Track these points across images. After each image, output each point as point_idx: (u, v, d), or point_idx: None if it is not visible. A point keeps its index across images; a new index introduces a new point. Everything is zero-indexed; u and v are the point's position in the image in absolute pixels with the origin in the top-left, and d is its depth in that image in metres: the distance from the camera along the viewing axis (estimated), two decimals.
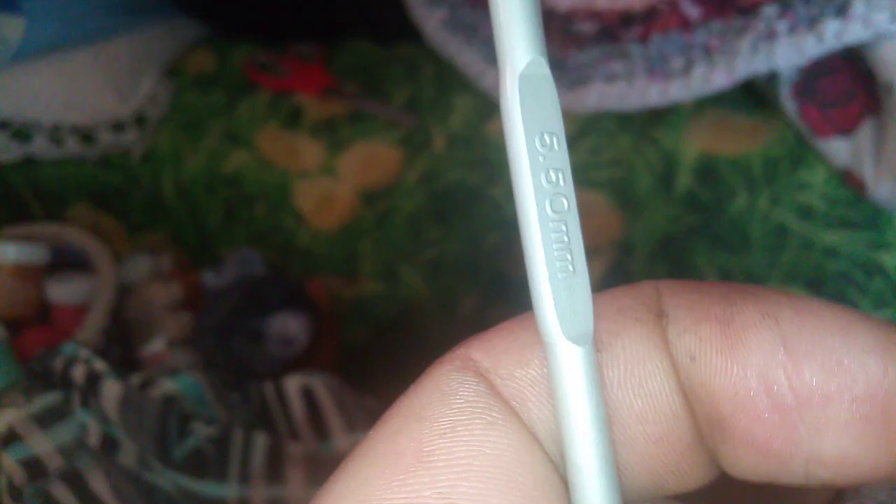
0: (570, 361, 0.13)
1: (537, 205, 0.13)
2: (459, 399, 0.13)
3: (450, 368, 0.14)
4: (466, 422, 0.13)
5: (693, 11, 0.52)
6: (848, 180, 0.53)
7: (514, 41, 0.13)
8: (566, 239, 0.13)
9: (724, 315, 0.13)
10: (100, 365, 0.37)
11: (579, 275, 0.13)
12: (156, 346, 0.49)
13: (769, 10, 0.51)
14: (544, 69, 0.13)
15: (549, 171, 0.13)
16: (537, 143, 0.13)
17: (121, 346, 0.50)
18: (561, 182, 0.13)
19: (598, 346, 0.14)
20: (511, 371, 0.14)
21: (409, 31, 0.62)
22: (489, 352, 0.14)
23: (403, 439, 0.13)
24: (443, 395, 0.14)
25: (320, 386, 0.41)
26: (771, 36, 0.50)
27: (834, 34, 0.49)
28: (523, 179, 0.13)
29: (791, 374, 0.13)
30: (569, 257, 0.13)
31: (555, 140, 0.13)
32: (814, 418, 0.13)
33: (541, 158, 0.13)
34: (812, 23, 0.50)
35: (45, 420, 0.36)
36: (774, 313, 0.13)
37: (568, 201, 0.13)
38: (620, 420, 0.13)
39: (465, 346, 0.14)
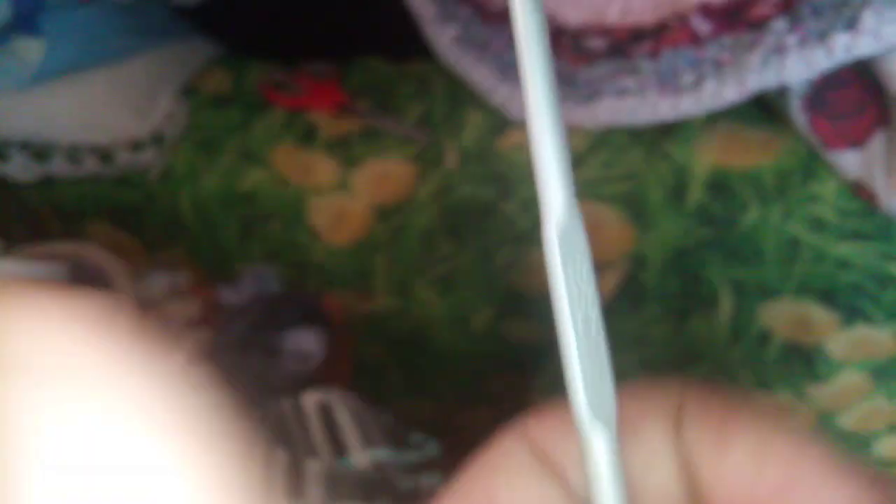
0: (595, 442, 0.16)
1: (573, 315, 0.17)
2: (517, 459, 0.17)
3: (511, 434, 0.17)
4: (525, 475, 0.17)
5: (703, 26, 0.53)
6: (859, 192, 0.53)
7: (555, 197, 0.17)
8: (595, 343, 0.17)
9: (721, 436, 0.16)
10: None
11: (606, 372, 0.17)
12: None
13: (779, 24, 0.51)
14: (578, 218, 0.18)
15: (581, 297, 0.17)
16: (571, 271, 0.17)
17: None
18: (589, 300, 0.17)
19: (621, 433, 0.16)
20: (555, 443, 0.17)
21: (420, 49, 0.63)
22: (541, 423, 0.17)
23: (476, 489, 0.17)
24: (506, 453, 0.17)
25: (337, 402, 0.41)
26: (781, 50, 0.51)
27: (844, 48, 0.49)
28: (562, 299, 0.17)
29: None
30: (596, 359, 0.17)
31: (584, 269, 0.17)
32: None
33: (574, 285, 0.17)
34: (822, 36, 0.50)
35: None
36: (766, 445, 0.15)
37: (595, 314, 0.17)
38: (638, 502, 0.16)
39: (529, 415, 0.18)
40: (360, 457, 0.40)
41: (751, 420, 0.16)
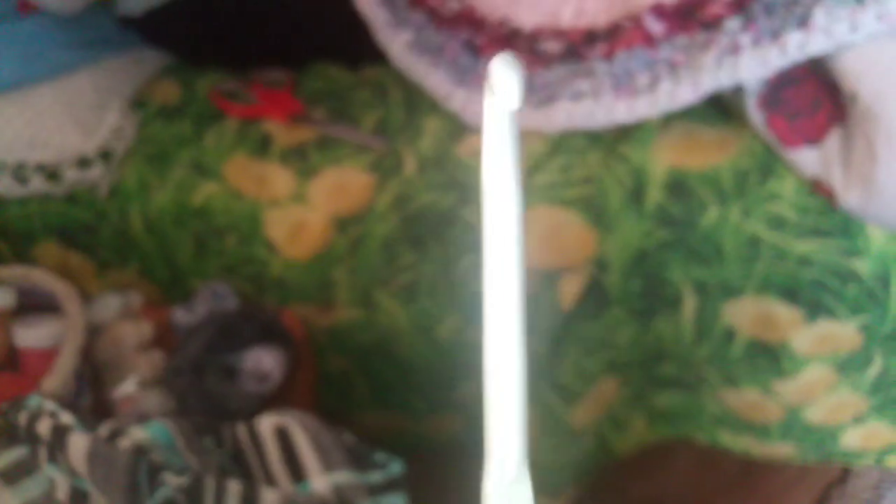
0: None
1: None
2: None
3: None
4: None
5: (657, 27, 0.52)
6: (818, 189, 0.53)
7: (506, 458, 0.17)
8: None
9: None
10: (66, 417, 0.36)
11: None
12: (127, 388, 0.48)
13: (732, 24, 0.51)
14: (526, 482, 0.17)
15: None
16: None
17: (92, 390, 0.49)
18: None
19: None
20: None
21: (376, 55, 0.62)
22: None
23: None
24: None
25: (295, 425, 0.40)
26: (735, 49, 0.51)
27: (797, 46, 0.49)
28: None
29: None
30: None
31: None
32: None
33: None
34: (775, 35, 0.50)
35: (12, 476, 0.36)
36: None
37: None
38: None
39: None
40: (320, 481, 0.39)
41: None
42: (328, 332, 0.62)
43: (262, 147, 0.61)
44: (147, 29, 0.67)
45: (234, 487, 0.36)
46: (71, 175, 0.60)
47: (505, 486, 0.16)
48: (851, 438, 0.64)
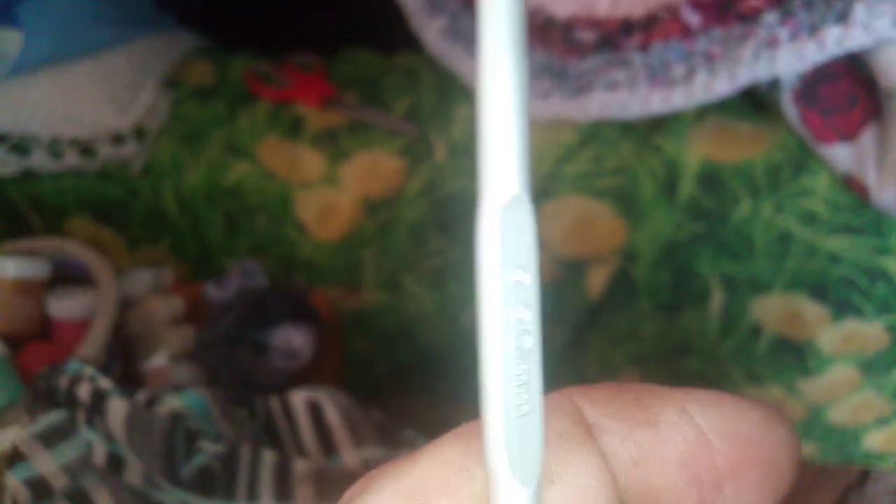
0: (514, 502, 0.13)
1: (503, 340, 0.13)
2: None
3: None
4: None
5: (693, 19, 0.52)
6: (851, 186, 0.52)
7: (500, 173, 0.12)
8: (526, 378, 0.13)
9: (650, 419, 0.15)
10: (105, 383, 0.37)
11: (534, 415, 0.13)
12: (158, 361, 0.48)
13: (770, 17, 0.51)
14: (526, 204, 0.13)
15: (518, 307, 0.13)
16: (510, 278, 0.13)
17: (122, 362, 0.49)
18: (529, 319, 0.13)
19: (550, 477, 0.14)
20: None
21: (409, 40, 0.62)
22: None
23: None
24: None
25: (327, 400, 0.40)
26: (772, 43, 0.50)
27: (835, 40, 0.49)
28: (492, 313, 0.13)
29: (712, 457, 0.15)
30: (526, 397, 0.13)
31: (528, 276, 0.13)
32: (735, 486, 0.15)
33: (512, 294, 0.13)
34: (813, 29, 0.50)
35: (50, 439, 0.36)
36: (687, 409, 0.15)
37: (533, 339, 0.13)
38: None
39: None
40: (351, 455, 0.39)
41: (677, 410, 0.15)
42: (354, 314, 0.62)
43: (295, 129, 0.62)
44: (182, 9, 0.68)
45: (268, 457, 0.36)
46: (105, 151, 0.61)
47: (502, 209, 0.11)
48: (874, 440, 0.63)
